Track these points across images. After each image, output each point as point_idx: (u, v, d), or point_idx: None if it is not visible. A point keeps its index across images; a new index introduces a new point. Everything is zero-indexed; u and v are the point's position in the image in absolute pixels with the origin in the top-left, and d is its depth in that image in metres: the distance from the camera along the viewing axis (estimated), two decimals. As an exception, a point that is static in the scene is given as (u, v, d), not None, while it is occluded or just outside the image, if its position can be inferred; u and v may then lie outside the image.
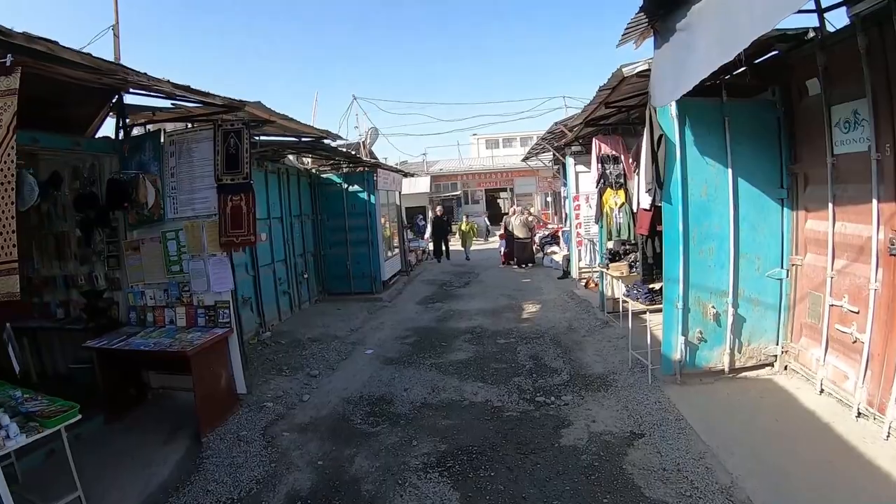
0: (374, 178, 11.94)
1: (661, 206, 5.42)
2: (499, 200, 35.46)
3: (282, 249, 10.35)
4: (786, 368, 5.80)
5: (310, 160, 12.87)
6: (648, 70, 5.19)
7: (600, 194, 8.12)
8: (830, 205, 4.98)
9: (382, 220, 13.04)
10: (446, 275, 15.43)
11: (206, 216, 5.96)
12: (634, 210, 8.05)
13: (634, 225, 8.03)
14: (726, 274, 5.55)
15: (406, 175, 17.05)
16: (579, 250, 11.57)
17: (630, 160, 8.14)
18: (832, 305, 5.02)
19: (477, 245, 24.93)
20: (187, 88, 5.25)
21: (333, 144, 9.72)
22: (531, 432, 5.01)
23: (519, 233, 15.44)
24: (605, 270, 8.02)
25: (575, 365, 6.72)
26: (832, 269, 5.01)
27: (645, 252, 6.00)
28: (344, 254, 12.22)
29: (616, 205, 8.07)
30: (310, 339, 8.66)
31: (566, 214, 20.82)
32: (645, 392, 5.61)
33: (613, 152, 8.11)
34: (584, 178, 11.34)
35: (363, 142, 18.07)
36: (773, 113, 5.61)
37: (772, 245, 5.69)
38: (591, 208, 11.17)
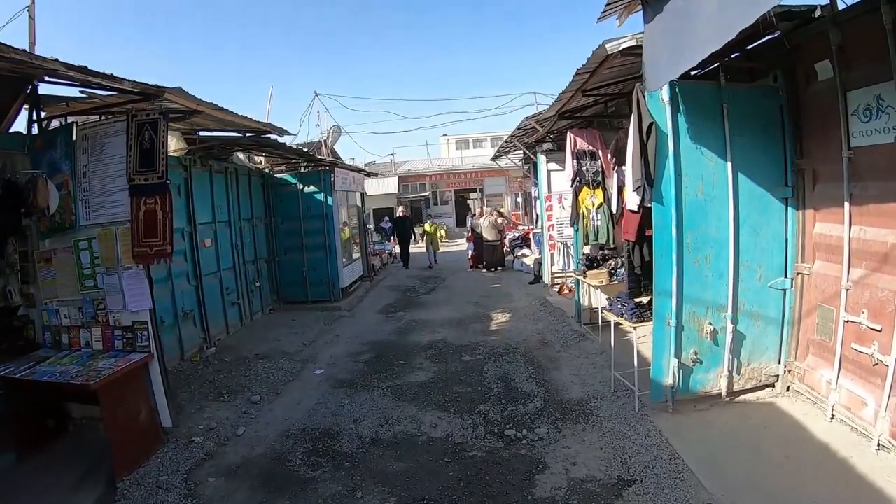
0: (332, 178, 10.95)
1: (650, 208, 4.62)
2: (468, 201, 34.67)
3: (230, 256, 9.38)
4: (788, 390, 5.12)
5: (263, 159, 11.82)
6: (637, 47, 4.39)
7: (576, 194, 7.34)
8: (846, 205, 4.27)
9: (342, 223, 12.08)
10: (412, 280, 14.52)
11: (121, 222, 5.04)
12: (613, 211, 7.32)
13: (614, 228, 7.28)
14: (725, 285, 4.80)
15: (369, 175, 16.07)
16: (552, 254, 10.80)
17: (609, 156, 7.36)
18: (848, 321, 4.31)
19: (443, 247, 24.12)
20: (93, 73, 4.34)
21: (281, 140, 8.72)
22: (500, 479, 4.15)
23: (488, 235, 14.63)
24: (581, 278, 7.23)
25: (550, 387, 5.89)
26: (847, 280, 4.30)
27: (632, 261, 5.19)
28: (300, 260, 11.21)
29: (593, 205, 7.30)
30: (257, 357, 7.71)
31: (537, 215, 20.15)
32: (632, 423, 4.80)
33: (590, 147, 7.34)
34: (556, 177, 10.61)
35: (324, 140, 17.05)
36: (776, 100, 4.89)
37: (775, 251, 4.97)
38: (564, 209, 10.46)
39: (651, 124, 4.39)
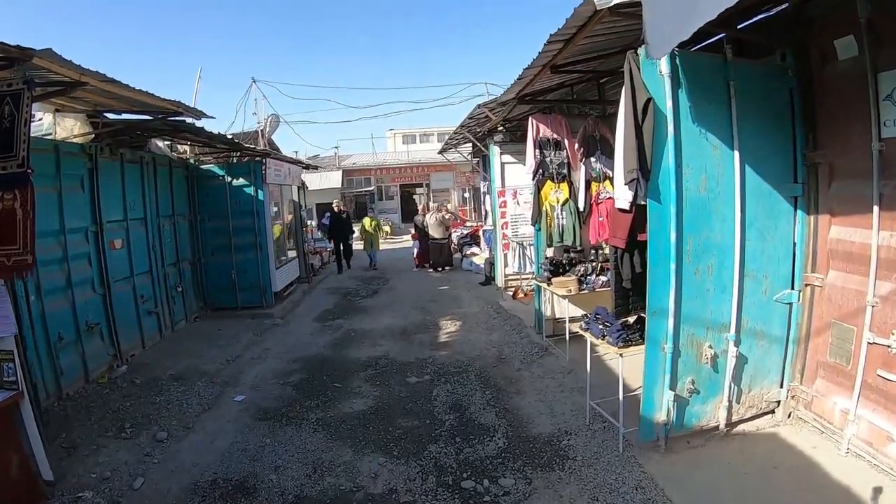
0: (263, 170, 9.63)
1: (643, 206, 3.72)
2: (415, 196, 33.64)
3: (145, 258, 8.04)
4: (790, 416, 4.45)
5: (188, 149, 10.35)
6: (633, 3, 3.47)
7: (538, 188, 6.43)
8: (876, 207, 3.53)
9: (277, 220, 10.79)
10: (353, 281, 13.33)
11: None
12: (581, 208, 6.47)
13: (580, 227, 6.43)
14: (728, 301, 4.00)
15: (308, 168, 14.68)
16: (505, 254, 9.91)
17: (576, 146, 6.51)
18: (872, 343, 3.60)
19: (388, 244, 22.96)
20: None
21: (198, 124, 7.38)
22: (459, 561, 3.16)
23: (434, 232, 13.63)
24: (544, 285, 6.33)
25: (513, 419, 4.94)
26: (873, 295, 3.57)
27: (619, 272, 4.25)
28: (228, 261, 9.85)
29: (558, 201, 6.42)
30: (172, 378, 6.48)
31: (487, 212, 19.32)
32: (618, 470, 3.91)
33: (554, 136, 6.45)
34: (511, 170, 9.72)
35: (261, 130, 15.54)
36: (784, 82, 4.12)
37: (781, 259, 4.21)
38: (519, 205, 9.60)
39: (648, 101, 3.48)
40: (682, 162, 3.61)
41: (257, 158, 9.91)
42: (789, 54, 4.13)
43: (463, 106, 33.48)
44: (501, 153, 9.68)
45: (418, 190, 34.22)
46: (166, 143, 9.32)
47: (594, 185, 6.57)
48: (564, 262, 6.17)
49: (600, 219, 6.54)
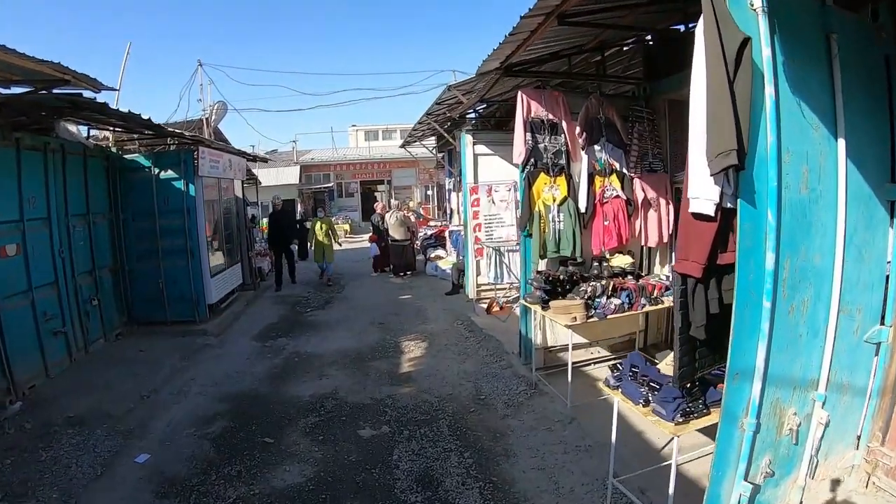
0: (195, 161, 8.02)
1: (730, 210, 2.43)
2: (376, 193, 32.08)
3: (50, 267, 6.51)
4: (867, 486, 3.31)
5: (110, 135, 8.62)
6: None
7: (529, 182, 5.13)
8: None
9: (213, 219, 9.19)
10: (304, 288, 11.76)
11: None
12: (582, 209, 5.22)
13: (581, 232, 5.18)
14: (820, 347, 2.81)
15: (255, 160, 12.97)
16: (478, 261, 8.60)
17: (577, 130, 5.26)
18: None
19: (347, 244, 21.36)
20: None
21: (99, 98, 5.76)
22: None
23: (395, 233, 12.19)
24: (538, 309, 5.02)
25: (505, 502, 3.62)
26: None
27: (689, 314, 2.77)
28: (156, 268, 8.22)
29: (554, 200, 5.13)
30: (69, 422, 5.02)
31: (451, 210, 18.01)
32: None
33: (550, 116, 5.18)
34: (486, 163, 8.44)
35: (206, 118, 13.78)
36: (878, 48, 2.93)
37: (875, 285, 3.05)
38: (494, 204, 8.32)
39: (745, 42, 2.18)
40: (782, 145, 2.34)
41: (187, 146, 8.28)
42: (884, 10, 2.98)
43: (428, 95, 32.02)
44: (474, 143, 8.37)
45: (380, 187, 32.67)
46: (77, 126, 7.59)
47: (598, 180, 5.36)
48: (563, 278, 4.89)
49: (606, 223, 5.34)
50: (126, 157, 8.30)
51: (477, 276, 8.64)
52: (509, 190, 8.62)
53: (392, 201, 15.15)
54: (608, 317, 4.72)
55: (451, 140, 11.62)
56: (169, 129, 7.26)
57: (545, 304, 4.79)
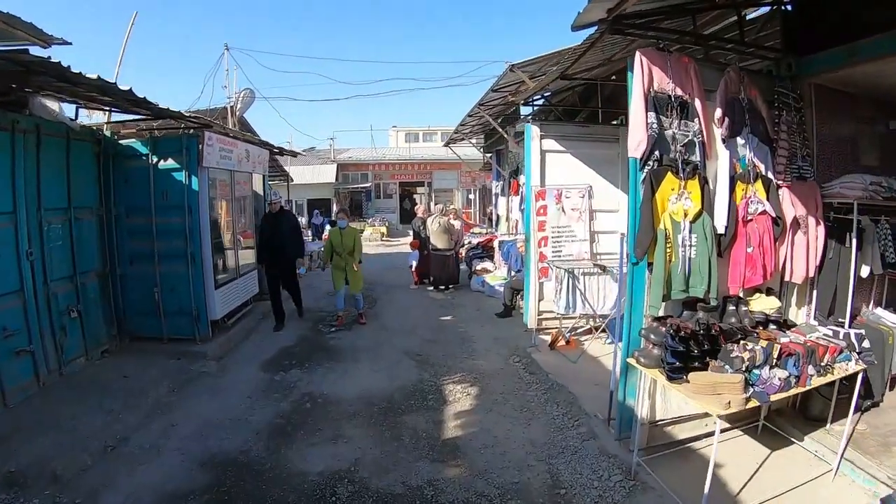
0: (199, 148, 6.66)
1: None
2: (415, 196, 30.76)
3: (14, 273, 5.31)
4: None
5: (103, 115, 7.37)
6: None
7: (652, 187, 3.45)
8: None
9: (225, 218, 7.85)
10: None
11: None
12: (721, 230, 3.53)
13: (717, 261, 3.51)
14: None
15: (281, 153, 11.56)
16: (542, 283, 6.94)
17: (718, 114, 3.59)
18: None
19: (383, 248, 19.96)
20: None
21: (48, 55, 4.31)
22: None
23: (437, 241, 10.63)
24: (664, 381, 3.31)
25: None
26: None
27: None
28: (151, 274, 6.94)
29: (685, 215, 3.45)
30: (6, 480, 3.77)
31: (498, 216, 16.38)
32: None
33: (679, 91, 3.52)
34: (556, 162, 6.84)
35: (231, 106, 12.55)
36: None
37: None
38: (564, 213, 6.71)
39: None
40: None
41: (191, 131, 6.92)
42: None
43: (477, 88, 30.34)
44: (542, 136, 6.73)
45: (419, 189, 31.31)
46: (58, 103, 6.30)
47: (739, 188, 3.66)
48: (700, 332, 3.19)
49: (749, 249, 3.63)
50: (122, 142, 7.00)
51: (539, 300, 6.99)
52: (582, 196, 6.96)
53: (434, 204, 13.58)
54: (770, 397, 3.02)
55: (504, 135, 10.00)
56: (167, 109, 5.86)
57: (673, 374, 3.11)
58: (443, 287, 10.80)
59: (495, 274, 10.68)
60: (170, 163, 6.77)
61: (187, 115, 6.20)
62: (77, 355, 6.14)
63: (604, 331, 6.85)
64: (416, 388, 5.67)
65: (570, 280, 6.18)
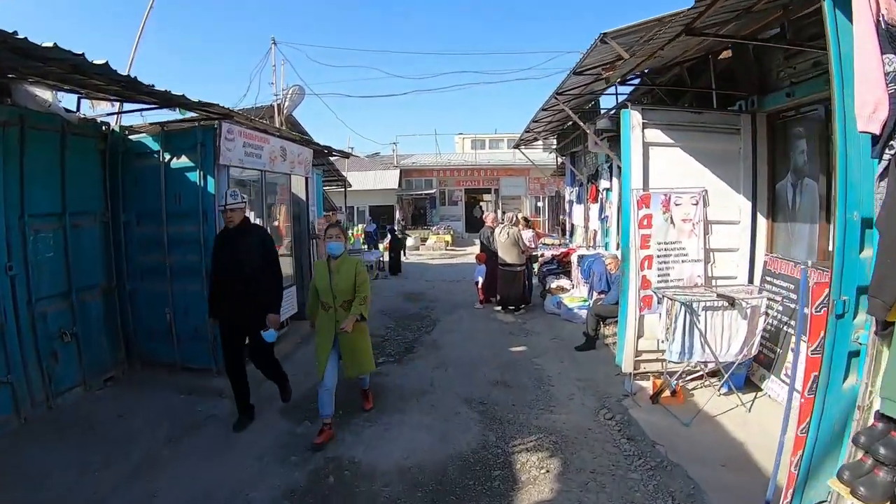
0: (216, 143, 5.62)
1: None
2: (481, 203, 29.48)
3: None
4: None
5: (108, 106, 6.52)
6: None
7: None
8: None
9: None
10: (385, 319, 9.15)
11: None
12: None
13: None
14: None
15: (330, 153, 10.39)
16: (643, 315, 5.38)
17: None
18: None
19: (447, 258, 18.72)
20: None
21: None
22: None
23: (506, 255, 9.20)
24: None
25: None
26: None
27: None
28: (164, 291, 6.02)
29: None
30: None
31: (573, 226, 14.74)
32: None
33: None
34: (661, 159, 5.32)
35: (278, 104, 11.74)
36: None
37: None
38: (673, 226, 5.10)
39: None
40: None
41: (207, 122, 5.87)
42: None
43: (551, 80, 28.47)
44: (645, 125, 5.20)
45: (486, 196, 29.98)
46: (52, 91, 5.39)
47: None
48: None
49: None
50: (131, 137, 6.07)
51: (638, 337, 5.42)
52: (696, 203, 5.36)
53: (503, 212, 12.19)
54: None
55: (586, 130, 8.47)
56: (171, 93, 4.80)
57: None
58: (512, 307, 9.35)
59: (573, 294, 9.12)
60: (183, 161, 5.82)
61: (196, 101, 5.11)
62: (72, 385, 5.32)
63: (714, 374, 5.26)
64: (478, 457, 4.26)
65: (689, 317, 4.59)
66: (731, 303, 4.74)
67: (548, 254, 11.92)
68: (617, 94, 8.69)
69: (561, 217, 17.49)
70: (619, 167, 9.46)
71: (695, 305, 4.60)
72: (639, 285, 5.20)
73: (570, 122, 12.02)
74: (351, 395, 5.38)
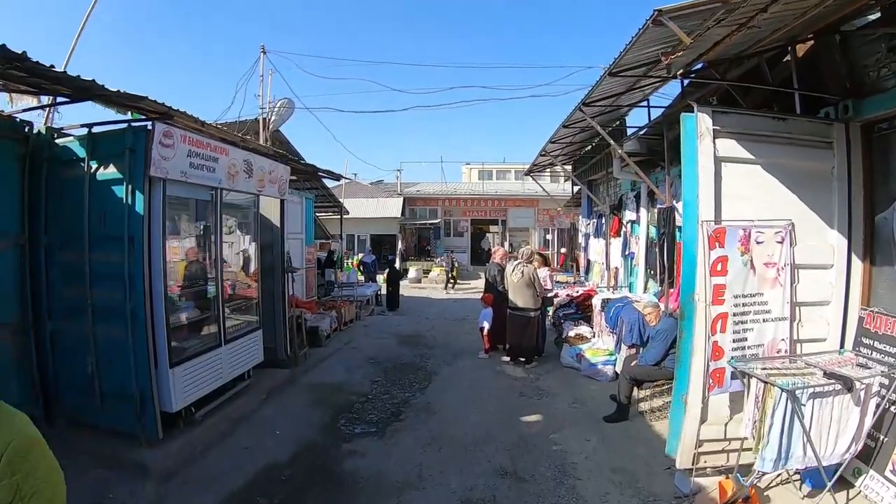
0: (148, 146, 4.32)
1: None
2: (488, 235, 28.18)
3: None
4: None
5: (34, 101, 5.24)
6: None
7: None
8: None
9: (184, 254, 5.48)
10: (373, 368, 7.72)
11: None
12: None
13: None
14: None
15: (315, 172, 8.89)
16: (710, 395, 3.91)
17: None
18: None
19: (453, 293, 17.25)
20: None
21: None
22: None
23: (518, 298, 7.76)
24: None
25: None
26: None
27: None
28: (86, 333, 4.65)
29: None
30: None
31: (589, 262, 13.33)
32: None
33: None
34: (738, 179, 4.00)
35: (263, 118, 10.54)
36: None
37: None
38: (752, 271, 3.69)
39: None
40: None
41: (138, 123, 4.57)
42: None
43: (567, 100, 27.05)
44: (717, 133, 3.84)
45: (492, 228, 28.69)
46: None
47: None
48: None
49: None
50: (59, 141, 4.79)
51: (701, 421, 3.95)
52: (781, 241, 3.96)
53: (520, 246, 10.80)
54: None
55: (616, 148, 7.14)
56: (86, 81, 3.51)
57: None
58: (523, 360, 7.87)
59: (596, 345, 7.66)
60: (111, 171, 4.55)
61: (116, 92, 3.82)
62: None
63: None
64: None
65: (792, 407, 3.14)
66: (849, 386, 3.29)
67: (562, 293, 10.47)
68: (649, 107, 7.41)
69: (576, 251, 16.09)
70: (652, 195, 8.15)
71: (798, 392, 3.15)
72: (709, 355, 3.75)
73: (590, 147, 10.76)
74: (316, 486, 3.92)
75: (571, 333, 8.17)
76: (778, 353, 3.96)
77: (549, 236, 25.95)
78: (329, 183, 15.23)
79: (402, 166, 30.78)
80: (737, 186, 3.92)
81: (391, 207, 25.90)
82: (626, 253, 9.67)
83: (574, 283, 12.48)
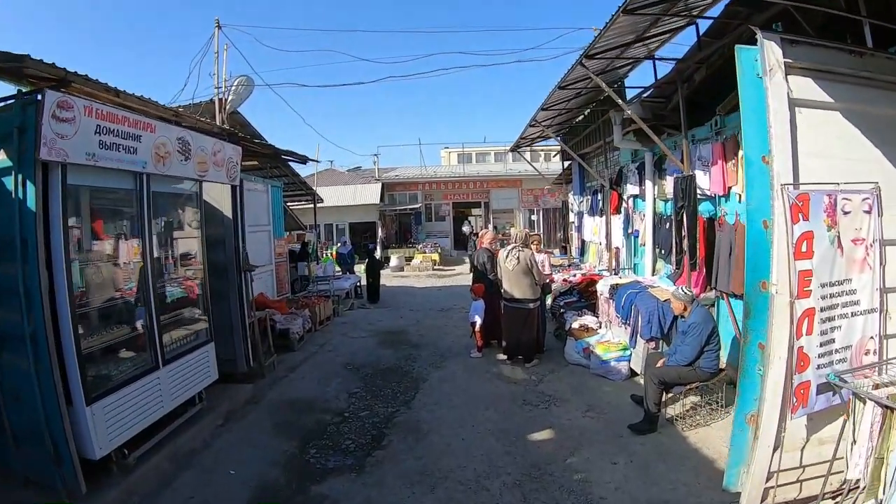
0: (38, 123, 3.23)
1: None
2: (469, 218, 27.18)
3: None
4: None
5: None
6: None
7: None
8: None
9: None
10: (351, 377, 6.73)
11: None
12: None
13: None
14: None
15: (276, 155, 7.70)
16: (791, 416, 2.97)
17: None
18: None
19: (434, 279, 16.22)
20: None
21: None
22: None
23: (514, 287, 6.79)
24: None
25: None
26: None
27: None
28: None
29: None
30: None
31: (584, 242, 12.40)
32: None
33: None
34: (816, 130, 2.89)
35: (220, 98, 9.34)
36: None
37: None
38: (839, 249, 2.66)
39: None
40: None
41: (25, 94, 3.47)
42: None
43: (556, 65, 25.40)
44: (790, 68, 2.86)
45: (475, 210, 27.72)
46: None
47: None
48: None
49: None
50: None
51: (775, 449, 3.02)
52: (868, 210, 3.02)
53: (510, 229, 9.85)
54: None
55: (622, 106, 6.15)
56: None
57: None
58: (521, 359, 6.93)
59: (605, 338, 6.72)
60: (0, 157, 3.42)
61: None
62: None
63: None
64: None
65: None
66: None
67: (557, 277, 9.54)
68: (655, 63, 6.43)
69: (569, 232, 15.12)
70: (660, 164, 7.19)
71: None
72: (793, 366, 2.80)
73: (581, 117, 9.77)
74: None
75: (575, 325, 7.23)
76: (866, 353, 3.04)
77: (534, 217, 25.10)
78: (303, 171, 14.06)
79: (379, 151, 29.55)
80: (811, 140, 2.95)
81: (370, 194, 24.77)
82: (630, 231, 8.75)
83: (569, 265, 11.57)
